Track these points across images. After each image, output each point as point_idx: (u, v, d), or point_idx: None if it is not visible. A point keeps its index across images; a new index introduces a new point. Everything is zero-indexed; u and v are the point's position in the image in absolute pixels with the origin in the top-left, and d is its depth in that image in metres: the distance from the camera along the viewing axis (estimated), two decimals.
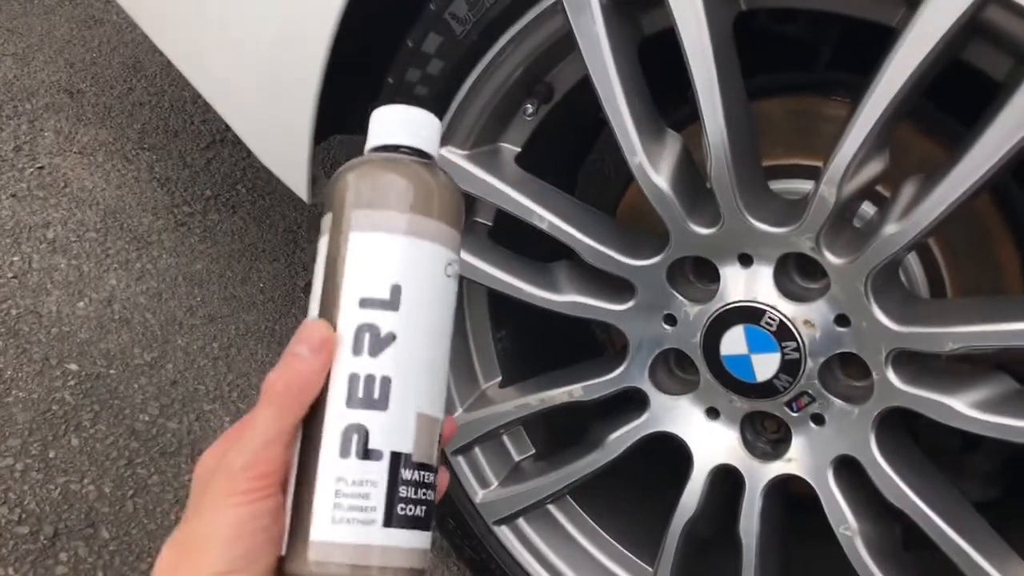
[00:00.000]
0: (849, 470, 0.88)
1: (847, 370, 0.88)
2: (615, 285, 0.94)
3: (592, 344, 1.35)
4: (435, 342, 0.56)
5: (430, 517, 0.55)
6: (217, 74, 1.30)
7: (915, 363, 0.83)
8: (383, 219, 0.56)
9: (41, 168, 1.81)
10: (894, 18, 0.76)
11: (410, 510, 0.53)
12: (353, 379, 0.54)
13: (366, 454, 0.53)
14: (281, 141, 1.20)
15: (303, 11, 1.03)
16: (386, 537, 0.53)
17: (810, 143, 1.01)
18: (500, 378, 1.14)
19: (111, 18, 2.42)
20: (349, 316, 0.54)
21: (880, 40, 0.75)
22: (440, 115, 0.95)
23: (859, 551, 0.87)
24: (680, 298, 0.91)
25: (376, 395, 0.54)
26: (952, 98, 0.91)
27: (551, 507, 1.13)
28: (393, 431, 0.53)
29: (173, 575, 0.51)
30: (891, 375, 0.82)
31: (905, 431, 0.90)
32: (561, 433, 1.16)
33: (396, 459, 0.53)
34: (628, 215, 1.15)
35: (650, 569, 1.04)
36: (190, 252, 1.72)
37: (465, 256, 1.01)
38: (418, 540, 0.54)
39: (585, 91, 0.87)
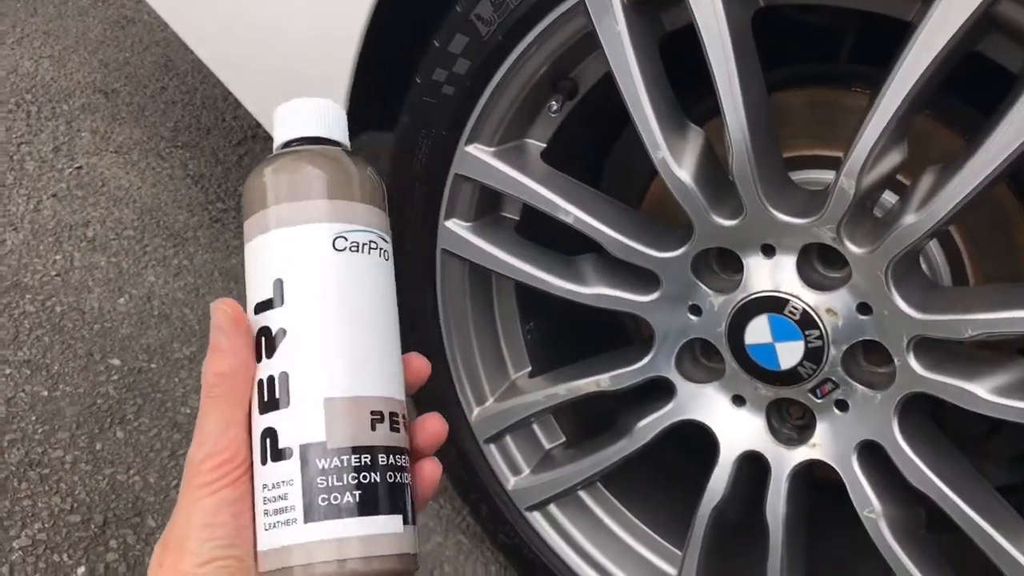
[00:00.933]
0: (873, 455, 0.90)
1: (870, 357, 0.89)
2: (640, 277, 0.96)
3: (619, 334, 1.37)
4: (340, 320, 0.53)
5: (374, 501, 0.51)
6: (247, 71, 1.33)
7: (936, 349, 0.84)
8: (257, 222, 0.55)
9: (79, 168, 1.86)
10: (910, 13, 0.77)
11: (336, 499, 0.50)
12: (260, 385, 0.53)
13: (277, 455, 0.51)
14: None
15: (334, 10, 1.06)
16: (308, 533, 0.50)
17: (830, 134, 1.02)
18: (529, 368, 1.16)
19: (143, 17, 2.47)
20: (254, 325, 0.54)
21: (899, 31, 0.76)
22: (467, 113, 0.98)
23: (883, 533, 0.89)
24: (705, 289, 0.93)
25: (277, 393, 0.52)
26: (974, 89, 0.92)
27: (582, 493, 1.15)
28: (298, 424, 0.51)
29: (159, 573, 0.52)
30: (913, 362, 0.83)
31: (928, 416, 0.91)
32: (590, 421, 1.18)
33: (306, 451, 0.51)
34: (652, 208, 1.16)
35: (679, 553, 1.06)
36: (225, 248, 1.76)
37: (493, 250, 1.03)
38: (356, 528, 0.50)
39: (609, 86, 0.89)
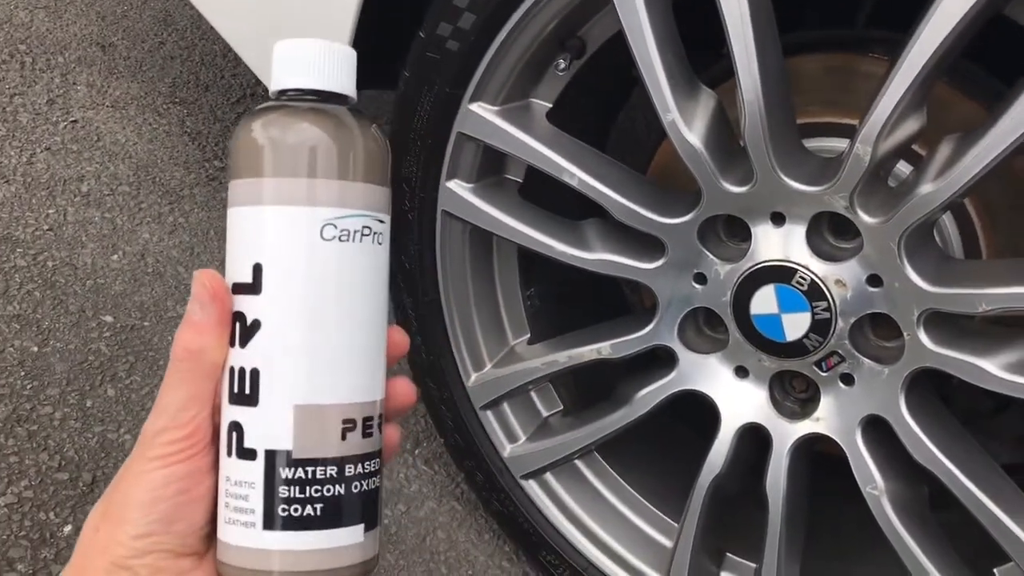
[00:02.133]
0: (877, 430, 0.88)
1: (878, 330, 0.87)
2: (646, 243, 0.94)
3: (621, 302, 1.35)
4: (320, 320, 0.49)
5: (336, 514, 0.50)
6: (247, 26, 1.30)
7: (947, 324, 0.83)
8: (241, 189, 0.50)
9: (75, 122, 1.82)
10: None
11: (296, 510, 0.49)
12: (231, 374, 0.50)
13: (242, 453, 0.49)
14: None
15: None
16: (265, 541, 0.49)
17: (846, 101, 1.00)
18: (529, 335, 1.15)
19: None
20: (233, 304, 0.51)
21: None
22: (471, 70, 0.95)
23: (886, 510, 0.87)
24: (711, 257, 0.91)
25: (247, 390, 0.49)
26: (994, 56, 0.90)
27: (578, 462, 1.14)
28: (266, 428, 0.49)
29: (94, 538, 0.51)
30: (922, 336, 0.82)
31: (934, 392, 0.89)
32: (589, 390, 1.16)
33: (272, 458, 0.49)
34: (660, 173, 1.14)
35: (676, 525, 1.05)
36: (221, 206, 1.73)
37: (495, 213, 1.01)
38: (314, 541, 0.49)
39: (618, 46, 0.87)
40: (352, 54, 0.53)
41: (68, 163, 1.71)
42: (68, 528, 1.12)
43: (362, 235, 0.50)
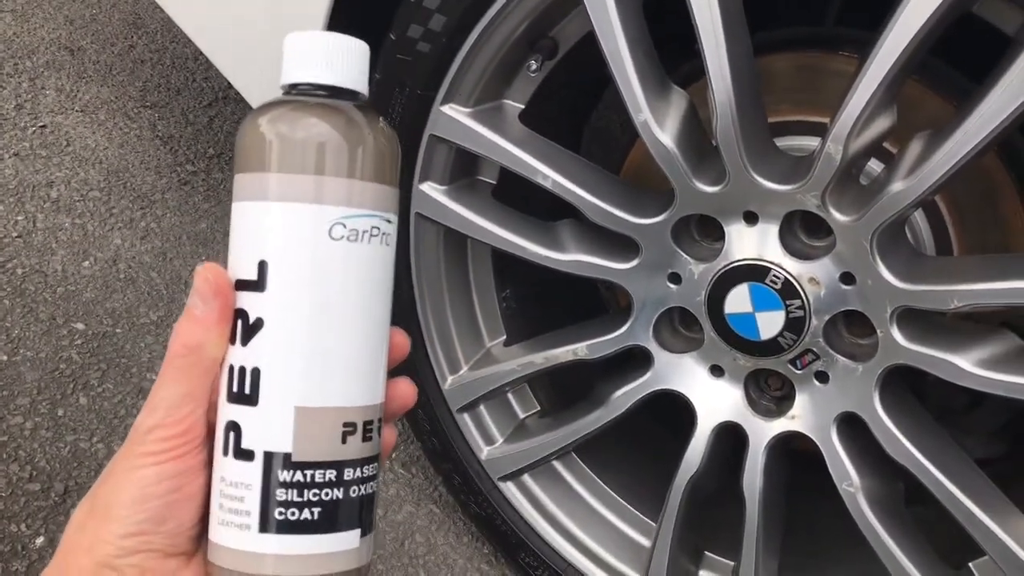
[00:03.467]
0: (852, 427, 0.88)
1: (852, 328, 0.87)
2: (620, 244, 0.94)
3: (596, 302, 1.35)
4: (324, 321, 0.48)
5: (333, 518, 0.49)
6: (216, 29, 1.28)
7: (920, 321, 0.83)
8: (247, 184, 0.49)
9: (43, 127, 1.80)
10: None
11: (293, 514, 0.48)
12: (230, 371, 0.49)
13: (239, 454, 0.49)
14: None
15: None
16: (260, 544, 0.48)
17: (817, 99, 1.00)
18: (504, 336, 1.14)
19: None
20: (235, 300, 0.50)
21: None
22: (443, 72, 0.94)
23: (862, 507, 0.88)
24: (685, 256, 0.91)
25: (247, 389, 0.48)
26: (962, 54, 0.90)
27: (556, 464, 1.13)
28: (265, 429, 0.48)
29: (80, 535, 0.49)
30: (896, 333, 0.82)
31: (909, 389, 0.90)
32: (565, 391, 1.16)
33: (270, 460, 0.48)
34: (634, 173, 1.14)
35: (654, 524, 1.05)
36: (194, 211, 1.71)
37: (469, 215, 1.00)
38: (310, 545, 0.48)
39: (590, 47, 0.86)
40: (365, 48, 0.51)
41: (37, 169, 1.69)
42: (40, 540, 1.11)
43: (371, 235, 0.49)
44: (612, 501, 1.13)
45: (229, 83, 1.81)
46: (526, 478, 1.13)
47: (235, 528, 0.49)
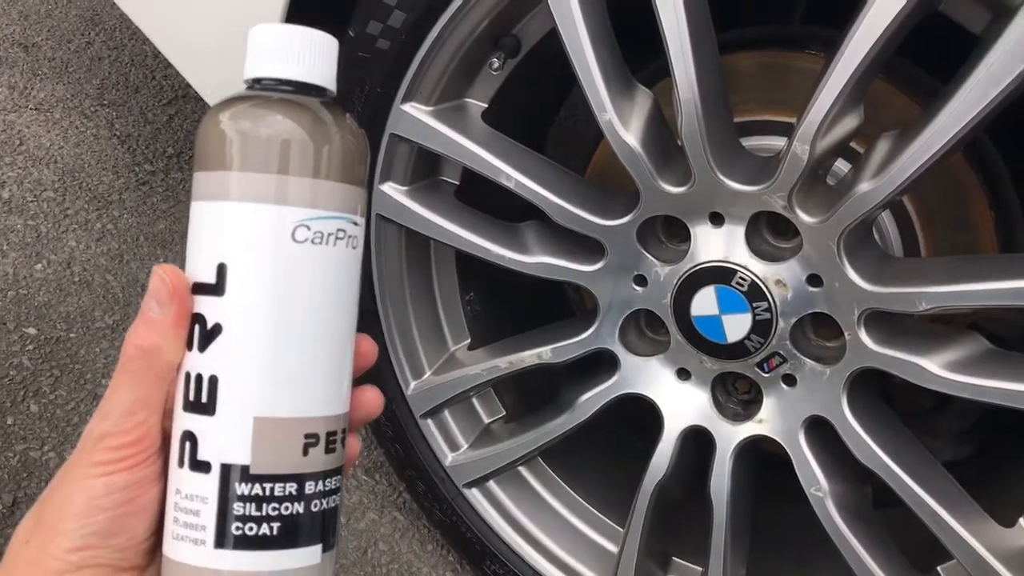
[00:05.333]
0: (820, 431, 0.87)
1: (819, 331, 0.87)
2: (585, 245, 0.92)
3: (562, 305, 1.33)
4: (286, 328, 0.46)
5: (294, 533, 0.47)
6: (173, 27, 1.25)
7: (888, 323, 0.82)
8: (207, 182, 0.47)
9: None
10: None
11: (251, 529, 0.46)
12: (186, 379, 0.47)
13: (196, 465, 0.46)
14: None
15: None
16: (217, 560, 0.46)
17: (783, 98, 0.99)
18: (469, 340, 1.12)
19: None
20: (192, 304, 0.48)
21: None
22: (403, 69, 0.92)
23: (830, 512, 0.87)
24: (650, 258, 0.89)
25: (204, 398, 0.46)
26: (929, 52, 0.89)
27: (522, 469, 1.12)
28: (223, 440, 0.46)
29: (23, 550, 0.47)
30: (863, 335, 0.81)
31: (877, 392, 0.89)
32: (531, 395, 1.14)
33: (227, 472, 0.46)
34: (599, 173, 1.12)
35: (621, 530, 1.03)
36: (152, 212, 1.68)
37: (431, 216, 0.98)
38: (269, 562, 0.47)
39: (553, 44, 0.84)
40: (333, 43, 0.49)
41: None
42: None
43: (336, 238, 0.47)
44: (579, 507, 1.11)
45: (187, 82, 1.77)
46: (492, 484, 1.11)
47: (190, 543, 0.47)
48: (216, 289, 0.46)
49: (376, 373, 1.10)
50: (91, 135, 1.81)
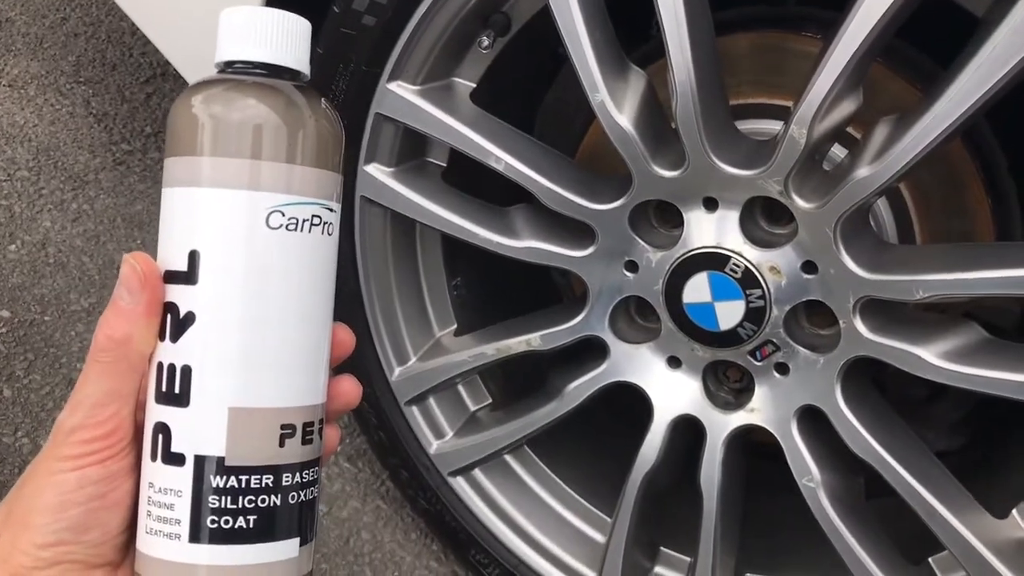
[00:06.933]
0: (813, 421, 0.86)
1: (813, 318, 0.85)
2: (575, 230, 0.90)
3: (551, 291, 1.31)
4: (261, 316, 0.46)
5: (271, 526, 0.46)
6: (152, 3, 1.22)
7: (883, 311, 0.81)
8: (178, 168, 0.46)
9: None
10: None
11: (227, 522, 0.45)
12: (159, 369, 0.46)
13: (169, 458, 0.46)
14: None
15: None
16: (192, 554, 0.45)
17: (780, 81, 0.97)
18: (455, 326, 1.10)
19: None
20: (164, 293, 0.47)
21: None
22: (389, 47, 0.90)
23: (822, 503, 0.85)
24: (642, 244, 0.87)
25: (177, 389, 0.46)
26: (929, 36, 0.88)
27: (508, 458, 1.10)
28: (197, 432, 0.46)
29: None
30: (858, 323, 0.80)
31: (870, 381, 0.88)
32: (518, 382, 1.13)
33: (201, 464, 0.45)
34: (590, 156, 1.11)
35: (609, 519, 1.02)
36: (129, 192, 1.64)
37: (417, 198, 0.96)
38: (245, 555, 0.46)
39: (545, 23, 0.82)
40: (306, 25, 0.48)
41: None
42: None
43: (311, 224, 0.47)
44: (566, 496, 1.10)
45: (167, 60, 1.74)
46: (477, 473, 1.09)
47: (164, 537, 0.46)
48: (188, 277, 0.46)
49: (359, 358, 1.08)
50: (67, 113, 1.77)
